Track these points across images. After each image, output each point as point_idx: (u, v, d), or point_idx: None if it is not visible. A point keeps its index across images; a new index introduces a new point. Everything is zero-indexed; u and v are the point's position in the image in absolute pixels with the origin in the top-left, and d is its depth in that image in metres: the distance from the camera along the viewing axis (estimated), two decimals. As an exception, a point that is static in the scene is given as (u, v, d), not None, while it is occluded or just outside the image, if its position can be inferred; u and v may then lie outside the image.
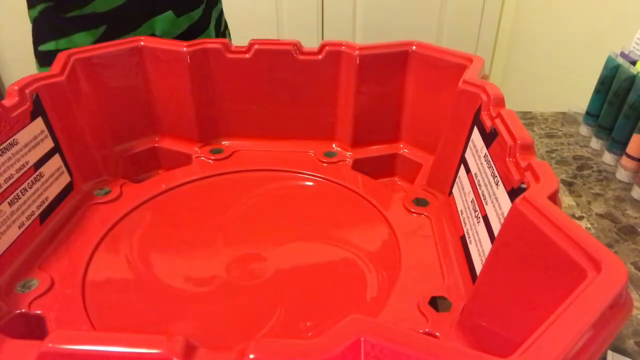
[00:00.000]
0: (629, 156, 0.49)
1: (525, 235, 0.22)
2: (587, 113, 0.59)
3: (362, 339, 0.14)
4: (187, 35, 0.57)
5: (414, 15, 1.42)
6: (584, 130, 0.59)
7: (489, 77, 0.38)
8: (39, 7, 0.51)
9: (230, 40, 0.69)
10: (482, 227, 0.29)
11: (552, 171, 0.24)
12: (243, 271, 0.32)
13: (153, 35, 0.54)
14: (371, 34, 1.44)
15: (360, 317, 0.15)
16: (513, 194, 0.26)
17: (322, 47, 0.41)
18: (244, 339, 0.27)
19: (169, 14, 0.55)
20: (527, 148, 0.27)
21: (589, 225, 0.44)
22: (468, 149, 0.34)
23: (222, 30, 0.65)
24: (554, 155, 0.55)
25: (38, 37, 0.54)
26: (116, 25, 0.52)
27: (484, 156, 0.30)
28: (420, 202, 0.37)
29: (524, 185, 0.25)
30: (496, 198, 0.28)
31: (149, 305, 0.29)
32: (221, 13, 0.64)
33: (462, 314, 0.26)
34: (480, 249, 0.28)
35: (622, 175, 0.50)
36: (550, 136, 0.59)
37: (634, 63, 0.52)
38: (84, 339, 0.15)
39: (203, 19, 0.59)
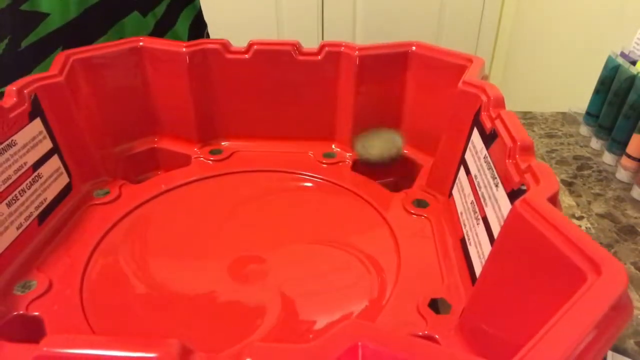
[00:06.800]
0: (629, 156, 0.49)
1: (524, 238, 0.21)
2: (587, 113, 0.59)
3: (359, 344, 0.14)
4: (155, 35, 0.53)
5: (414, 16, 1.42)
6: (584, 130, 0.59)
7: (489, 77, 0.38)
8: None
9: None
10: (481, 229, 0.29)
11: (552, 173, 0.24)
12: (242, 273, 0.32)
13: None
14: (371, 34, 1.44)
15: (357, 321, 0.15)
16: (513, 195, 0.26)
17: (322, 47, 0.41)
18: (241, 342, 0.26)
19: (135, 14, 0.51)
20: (527, 150, 0.26)
21: (589, 225, 0.44)
22: (468, 150, 0.34)
23: (200, 33, 0.60)
24: (554, 155, 0.55)
25: None
26: (74, 41, 0.46)
27: (484, 157, 0.30)
28: (420, 204, 0.37)
29: (523, 187, 0.25)
30: (496, 200, 0.27)
31: (148, 307, 0.29)
32: (198, 13, 0.59)
33: (462, 317, 0.26)
34: (480, 251, 0.28)
35: (622, 175, 0.50)
36: (550, 136, 0.59)
37: (634, 63, 0.52)
38: (79, 343, 0.15)
39: (167, 15, 0.54)
